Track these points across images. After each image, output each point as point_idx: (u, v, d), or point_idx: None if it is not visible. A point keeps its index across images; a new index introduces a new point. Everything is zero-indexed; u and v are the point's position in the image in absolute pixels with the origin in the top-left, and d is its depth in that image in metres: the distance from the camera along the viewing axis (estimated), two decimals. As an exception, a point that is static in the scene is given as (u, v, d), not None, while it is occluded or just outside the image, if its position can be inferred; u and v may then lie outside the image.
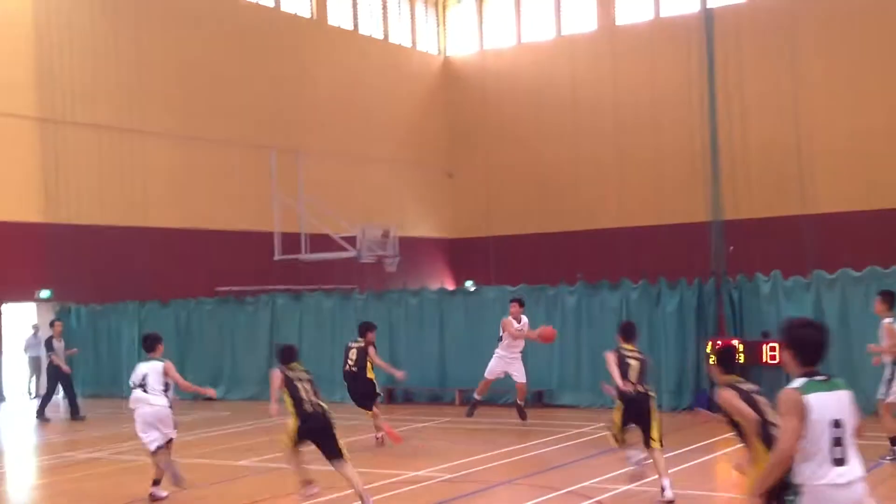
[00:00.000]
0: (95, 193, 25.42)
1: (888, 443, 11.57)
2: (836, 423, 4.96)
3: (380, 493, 10.46)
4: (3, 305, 23.66)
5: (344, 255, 28.32)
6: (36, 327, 23.92)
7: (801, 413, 4.93)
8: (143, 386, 10.89)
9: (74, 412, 19.41)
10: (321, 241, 29.09)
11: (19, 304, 24.17)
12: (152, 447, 10.83)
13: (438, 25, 38.96)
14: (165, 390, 10.98)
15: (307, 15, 33.37)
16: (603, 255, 32.17)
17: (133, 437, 15.99)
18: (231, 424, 17.36)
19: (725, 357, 7.17)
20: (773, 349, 15.78)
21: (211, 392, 12.70)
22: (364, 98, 34.59)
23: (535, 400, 18.32)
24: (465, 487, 10.78)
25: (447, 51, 39.05)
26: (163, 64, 27.58)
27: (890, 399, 11.50)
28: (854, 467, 4.98)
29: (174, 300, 22.99)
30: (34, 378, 23.71)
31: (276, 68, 31.20)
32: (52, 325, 20.23)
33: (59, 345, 19.65)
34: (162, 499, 10.79)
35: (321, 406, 10.00)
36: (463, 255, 37.47)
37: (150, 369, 10.95)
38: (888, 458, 11.49)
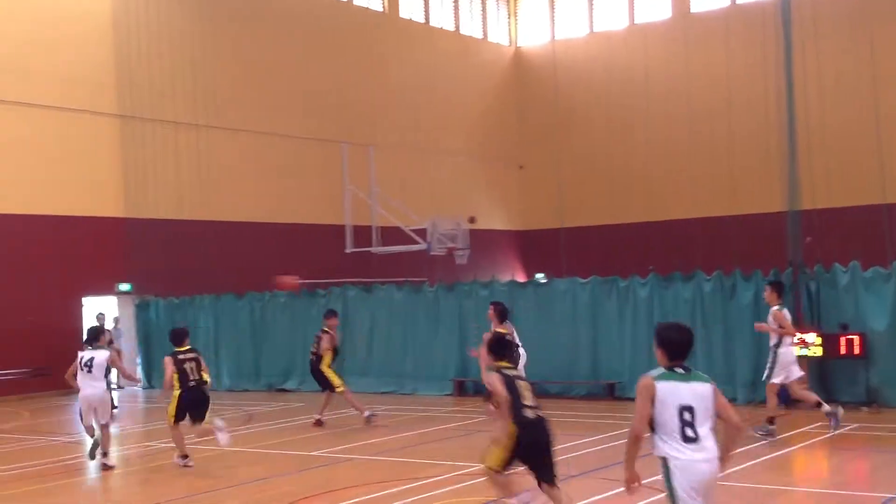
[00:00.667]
0: (173, 189, 25.95)
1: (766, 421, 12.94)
2: (687, 409, 5.73)
3: (452, 485, 10.47)
4: (85, 299, 24.30)
5: (414, 247, 28.43)
6: (116, 320, 24.55)
7: (649, 396, 5.79)
8: (89, 369, 12.73)
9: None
10: (392, 234, 29.26)
11: (100, 298, 24.81)
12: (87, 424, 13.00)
13: (509, 16, 38.81)
14: (106, 376, 13.09)
15: (379, 9, 33.54)
16: (676, 247, 31.72)
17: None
18: (304, 415, 17.58)
19: (497, 346, 8.78)
20: (850, 341, 15.39)
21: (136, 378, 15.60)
22: (435, 90, 34.66)
23: (606, 393, 18.18)
24: (532, 481, 10.74)
25: (518, 41, 38.89)
26: (237, 60, 28.01)
27: (774, 380, 13.10)
28: (705, 446, 5.71)
29: (249, 293, 23.36)
30: (114, 369, 24.30)
31: (347, 62, 31.45)
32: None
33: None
34: (110, 468, 12.67)
35: (203, 381, 12.64)
36: (534, 246, 37.32)
37: (96, 356, 12.81)
38: (759, 432, 12.79)
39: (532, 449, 8.17)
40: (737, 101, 32.07)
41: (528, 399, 8.22)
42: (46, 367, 21.88)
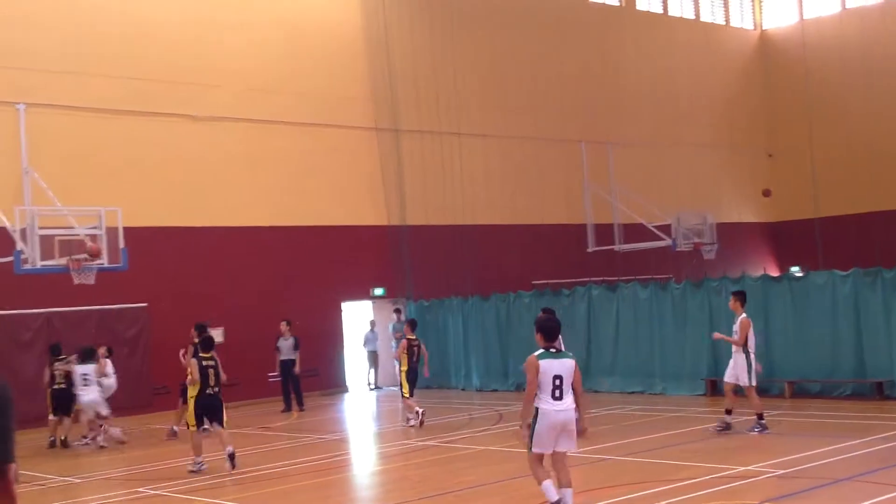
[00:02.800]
0: (419, 196, 26.88)
1: (756, 418, 13.88)
2: (557, 377, 8.44)
3: (707, 488, 10.22)
4: (344, 304, 25.70)
5: (659, 244, 27.94)
6: (372, 323, 25.78)
7: (535, 370, 8.43)
8: (86, 380, 16.63)
9: (299, 403, 21.37)
10: (635, 231, 28.91)
11: (357, 303, 26.15)
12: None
13: (753, -1, 37.30)
14: (99, 384, 16.87)
15: (615, 3, 33.22)
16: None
17: (464, 426, 16.79)
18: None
19: (204, 342, 13.69)
20: None
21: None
22: (675, 82, 33.88)
23: (874, 392, 17.05)
24: (799, 483, 10.26)
25: (763, 24, 37.27)
26: (475, 65, 28.61)
27: (748, 382, 13.96)
28: (566, 402, 8.48)
29: (494, 294, 23.82)
30: (372, 370, 25.57)
31: (584, 59, 31.36)
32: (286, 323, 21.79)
33: (284, 343, 21.34)
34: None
35: (217, 388, 13.56)
36: (786, 238, 35.61)
37: (89, 370, 16.78)
38: (756, 430, 13.79)
39: None
40: None
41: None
42: (314, 368, 23.34)
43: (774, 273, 27.80)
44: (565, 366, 8.46)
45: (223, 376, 13.73)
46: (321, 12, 25.82)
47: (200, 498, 11.69)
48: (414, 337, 17.81)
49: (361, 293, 26.01)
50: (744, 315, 14.13)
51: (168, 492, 12.29)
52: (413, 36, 27.39)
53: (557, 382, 8.37)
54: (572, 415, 8.47)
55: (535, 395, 8.41)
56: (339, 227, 25.43)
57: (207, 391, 13.38)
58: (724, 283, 19.65)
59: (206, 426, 13.44)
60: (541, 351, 8.49)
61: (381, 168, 26.42)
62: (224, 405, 13.70)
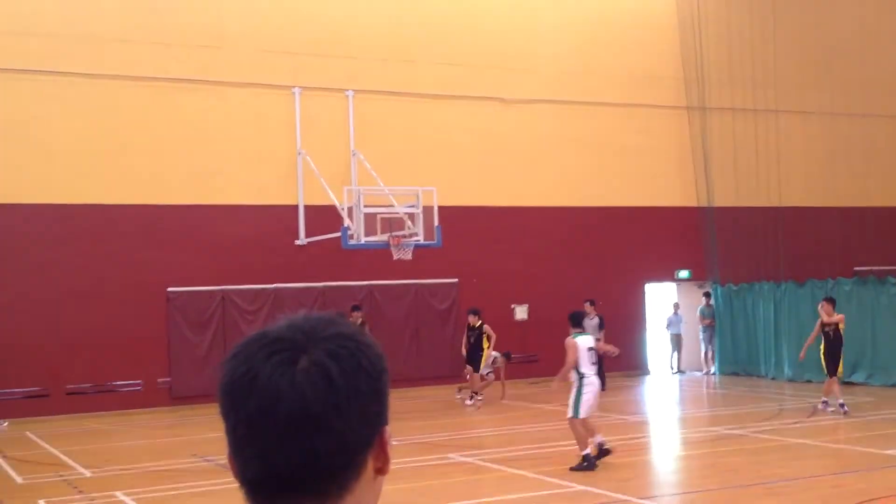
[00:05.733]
0: (730, 176, 25.91)
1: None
2: (590, 349, 12.15)
3: None
4: (647, 285, 25.42)
5: None
6: (676, 305, 25.31)
7: (575, 346, 12.06)
8: None
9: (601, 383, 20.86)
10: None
11: (661, 284, 25.76)
12: None
13: None
14: None
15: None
16: None
17: (774, 417, 16.15)
18: (875, 412, 16.53)
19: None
20: None
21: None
22: None
23: None
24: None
25: None
26: (799, 40, 27.00)
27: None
28: (596, 369, 12.33)
29: (810, 280, 22.55)
30: (675, 353, 25.14)
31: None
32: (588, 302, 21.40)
33: (590, 323, 20.90)
34: None
35: None
36: None
37: None
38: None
39: None
40: None
41: None
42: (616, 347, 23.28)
43: None
44: (590, 341, 12.53)
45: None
46: (632, -9, 25.54)
47: (504, 468, 12.13)
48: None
49: (666, 275, 25.59)
50: (570, 336, 12.65)
51: (477, 459, 12.85)
52: (729, 12, 26.38)
53: (592, 354, 12.30)
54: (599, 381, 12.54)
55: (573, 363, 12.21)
56: (646, 207, 25.13)
57: None
58: None
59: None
60: (575, 332, 12.49)
61: (692, 148, 25.78)
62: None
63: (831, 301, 16.64)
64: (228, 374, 1.31)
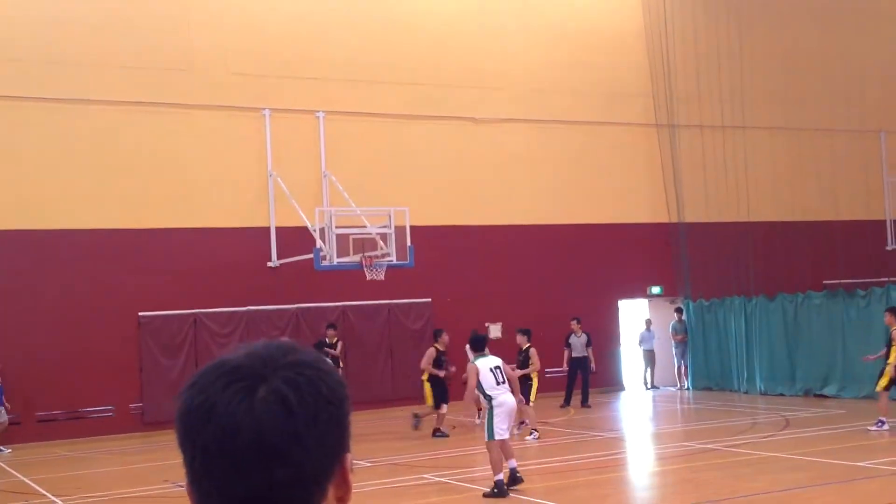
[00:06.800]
0: (700, 192, 26.13)
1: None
2: (494, 368, 11.86)
3: None
4: (620, 301, 25.52)
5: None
6: (648, 322, 25.42)
7: (475, 370, 11.88)
8: None
9: (584, 400, 21.43)
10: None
11: (633, 301, 25.86)
12: None
13: None
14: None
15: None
16: None
17: (747, 431, 16.23)
18: (845, 423, 16.67)
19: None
20: None
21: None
22: None
23: None
24: None
25: None
26: (766, 57, 27.31)
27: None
28: (505, 388, 11.80)
29: (780, 294, 22.74)
30: (648, 369, 25.23)
31: (885, 46, 29.07)
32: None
33: (577, 341, 21.40)
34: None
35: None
36: None
37: None
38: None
39: None
40: None
41: None
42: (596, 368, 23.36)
43: None
44: (496, 362, 12.10)
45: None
46: (600, 11, 25.75)
47: (481, 487, 12.12)
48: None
49: (638, 291, 25.72)
50: (471, 358, 12.66)
51: (452, 479, 12.82)
52: (696, 30, 26.66)
53: (496, 373, 11.87)
54: (513, 399, 11.97)
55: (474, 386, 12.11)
56: (617, 224, 25.27)
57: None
58: None
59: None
60: (475, 356, 12.39)
61: (662, 165, 25.97)
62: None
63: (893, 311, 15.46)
64: (186, 403, 1.30)
